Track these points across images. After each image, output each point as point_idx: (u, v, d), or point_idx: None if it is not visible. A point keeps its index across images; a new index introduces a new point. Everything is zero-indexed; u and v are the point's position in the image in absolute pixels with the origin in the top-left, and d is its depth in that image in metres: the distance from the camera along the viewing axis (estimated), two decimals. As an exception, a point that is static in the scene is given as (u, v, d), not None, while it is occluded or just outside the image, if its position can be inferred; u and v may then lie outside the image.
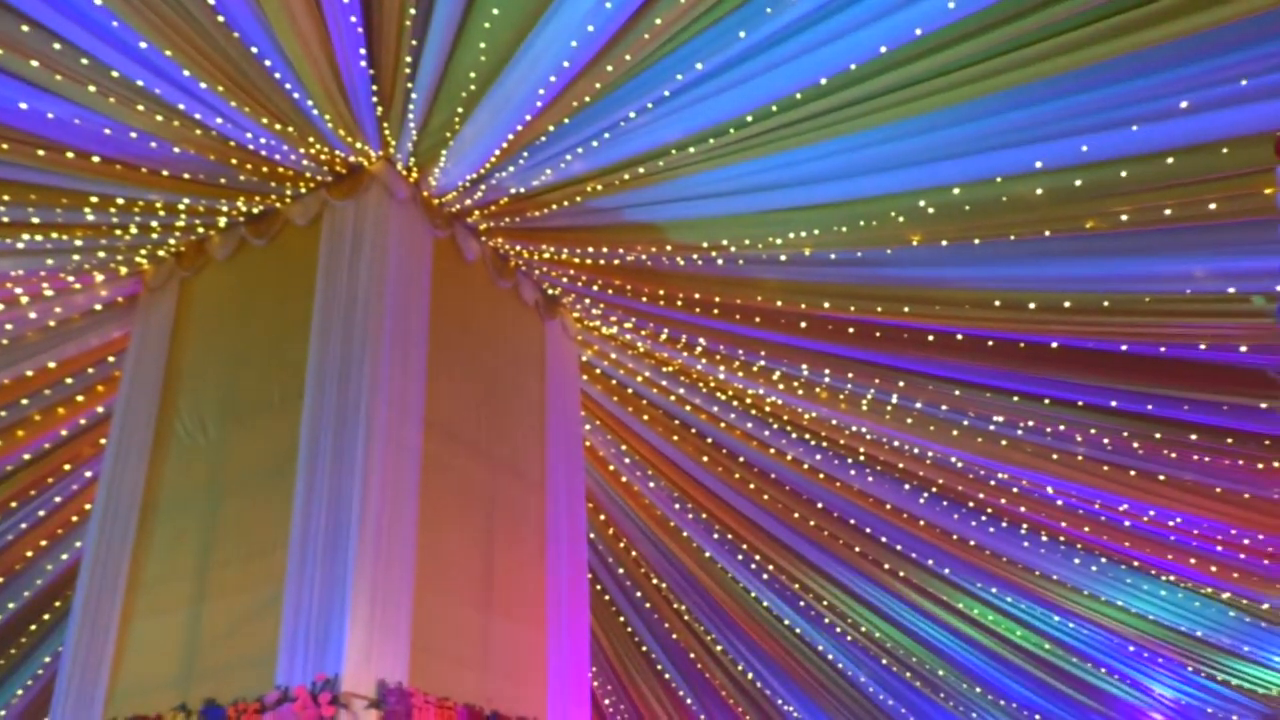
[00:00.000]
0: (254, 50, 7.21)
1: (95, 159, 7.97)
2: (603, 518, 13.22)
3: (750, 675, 14.69)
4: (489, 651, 8.34)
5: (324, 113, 7.90)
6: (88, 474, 10.98)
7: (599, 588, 13.91)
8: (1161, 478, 9.25)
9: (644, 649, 14.73)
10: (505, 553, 8.91)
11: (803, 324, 9.33)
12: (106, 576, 8.29)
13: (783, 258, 8.74)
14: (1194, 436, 8.63)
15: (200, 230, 9.33)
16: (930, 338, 8.89)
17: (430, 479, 8.16)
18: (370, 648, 7.05)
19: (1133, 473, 9.37)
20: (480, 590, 8.46)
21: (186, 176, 8.44)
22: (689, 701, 15.13)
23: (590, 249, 9.55)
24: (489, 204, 9.24)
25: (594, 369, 11.55)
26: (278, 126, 8.00)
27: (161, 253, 9.54)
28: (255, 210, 9.15)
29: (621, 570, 13.88)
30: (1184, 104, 6.16)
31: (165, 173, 8.33)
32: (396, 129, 8.26)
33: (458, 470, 8.64)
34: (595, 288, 10.21)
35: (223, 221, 9.24)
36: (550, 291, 10.61)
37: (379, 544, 7.38)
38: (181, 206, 8.84)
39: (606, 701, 15.40)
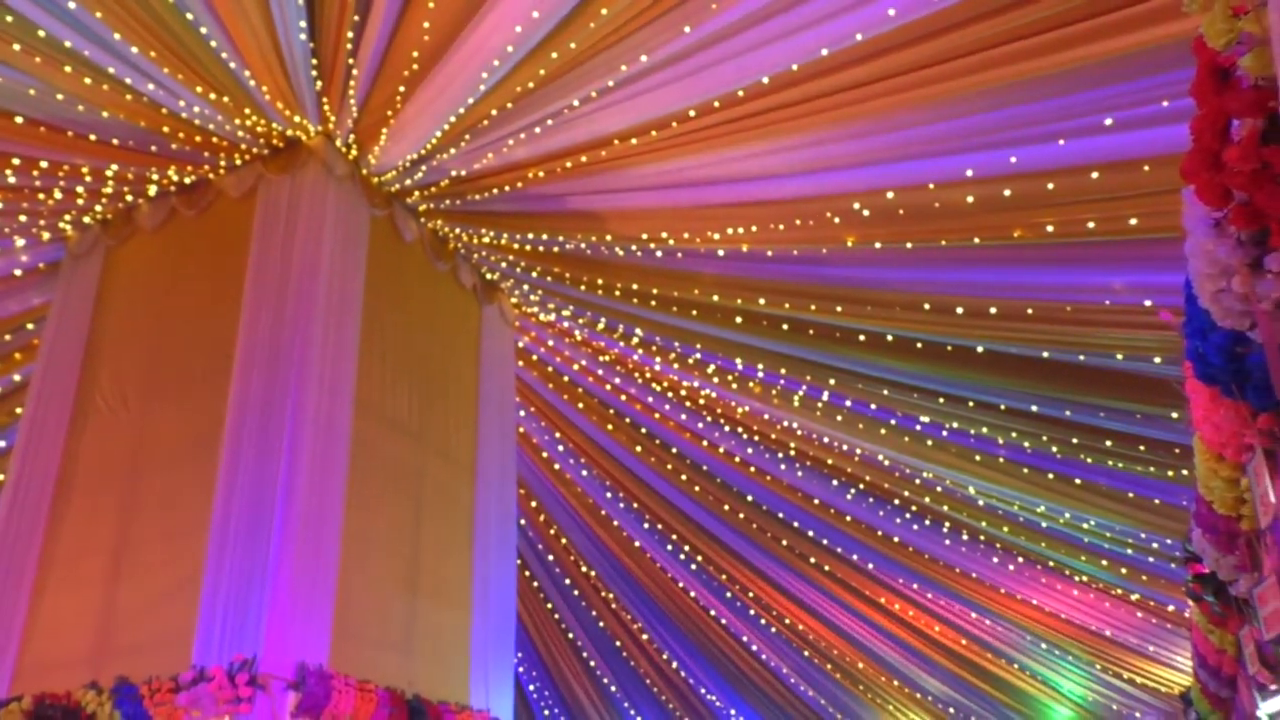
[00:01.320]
0: (189, 16, 7.04)
1: (18, 119, 7.73)
2: (534, 504, 13.23)
3: (675, 664, 14.84)
4: (413, 635, 8.30)
5: (261, 84, 7.75)
6: (1, 444, 10.65)
7: (527, 574, 13.92)
8: (1078, 482, 9.54)
9: (570, 636, 14.78)
10: (433, 536, 8.87)
11: (738, 319, 9.44)
12: (18, 550, 8.06)
13: (720, 252, 8.83)
14: (1109, 443, 8.91)
15: (128, 198, 9.09)
16: (861, 337, 9.06)
17: (358, 460, 8.08)
18: (290, 629, 6.97)
19: (1051, 476, 9.65)
20: (406, 573, 8.41)
21: (115, 142, 8.22)
22: (614, 689, 15.22)
23: (530, 235, 9.53)
24: (429, 185, 9.15)
25: (530, 355, 11.54)
26: (213, 96, 7.83)
27: (87, 219, 9.28)
28: (187, 180, 8.94)
29: (551, 557, 13.91)
30: (1109, 121, 6.35)
31: (93, 137, 8.11)
32: (336, 104, 8.13)
33: (387, 452, 8.57)
34: (534, 274, 10.19)
35: (152, 190, 9.02)
36: (488, 276, 10.56)
37: (303, 524, 7.29)
38: (109, 173, 8.60)
39: (531, 688, 15.42)
